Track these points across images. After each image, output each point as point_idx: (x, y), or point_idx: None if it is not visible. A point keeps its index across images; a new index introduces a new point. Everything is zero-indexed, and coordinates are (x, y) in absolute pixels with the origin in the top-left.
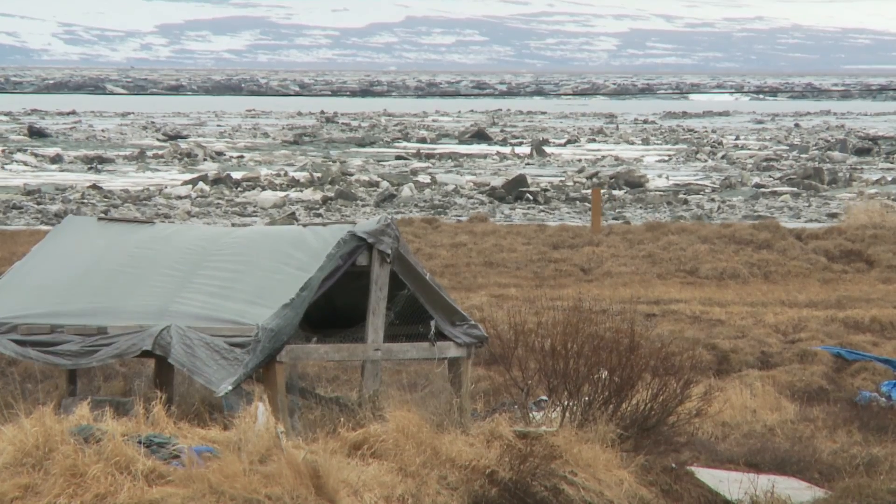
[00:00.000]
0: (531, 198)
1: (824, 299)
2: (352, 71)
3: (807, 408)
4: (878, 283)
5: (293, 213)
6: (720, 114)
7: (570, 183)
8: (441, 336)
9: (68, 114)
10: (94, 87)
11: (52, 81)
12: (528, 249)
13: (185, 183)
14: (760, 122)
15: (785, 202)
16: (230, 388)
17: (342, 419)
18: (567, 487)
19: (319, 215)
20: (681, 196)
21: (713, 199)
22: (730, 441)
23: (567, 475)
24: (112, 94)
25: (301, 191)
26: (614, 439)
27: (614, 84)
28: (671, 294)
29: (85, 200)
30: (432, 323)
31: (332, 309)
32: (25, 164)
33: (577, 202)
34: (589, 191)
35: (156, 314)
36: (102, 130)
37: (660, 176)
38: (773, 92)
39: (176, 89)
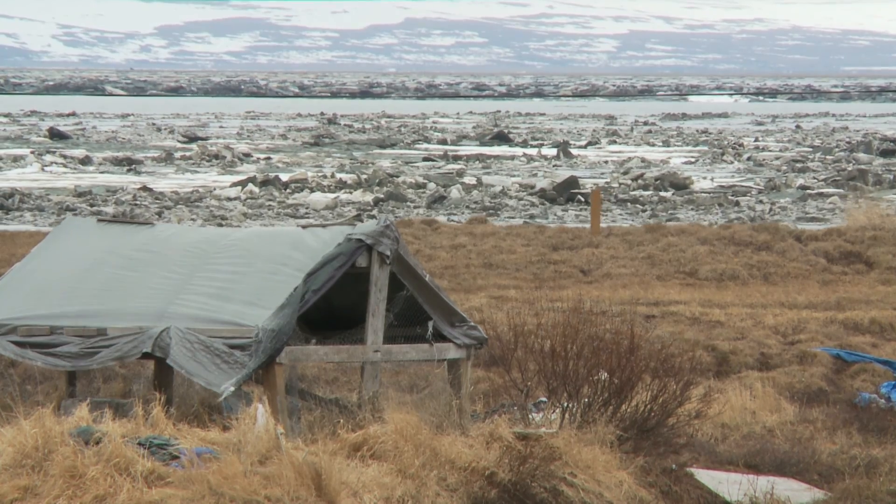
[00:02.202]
0: (582, 199)
1: (824, 301)
2: (351, 72)
3: (806, 409)
4: (878, 284)
5: (359, 216)
6: (719, 115)
7: (616, 185)
8: (440, 337)
9: (68, 115)
10: (94, 88)
11: (51, 83)
12: (527, 251)
13: (235, 185)
14: (760, 123)
15: (834, 203)
16: (232, 388)
17: (342, 421)
18: (566, 489)
19: (373, 216)
20: (731, 198)
21: (761, 201)
22: (729, 442)
23: (566, 476)
24: (111, 95)
25: (350, 192)
26: (614, 441)
27: (614, 85)
28: (671, 295)
29: (137, 202)
30: (430, 323)
31: (331, 310)
32: (65, 166)
33: (629, 203)
34: (638, 192)
35: (155, 316)
36: (113, 131)
37: (704, 178)
38: (773, 93)
39: (175, 91)
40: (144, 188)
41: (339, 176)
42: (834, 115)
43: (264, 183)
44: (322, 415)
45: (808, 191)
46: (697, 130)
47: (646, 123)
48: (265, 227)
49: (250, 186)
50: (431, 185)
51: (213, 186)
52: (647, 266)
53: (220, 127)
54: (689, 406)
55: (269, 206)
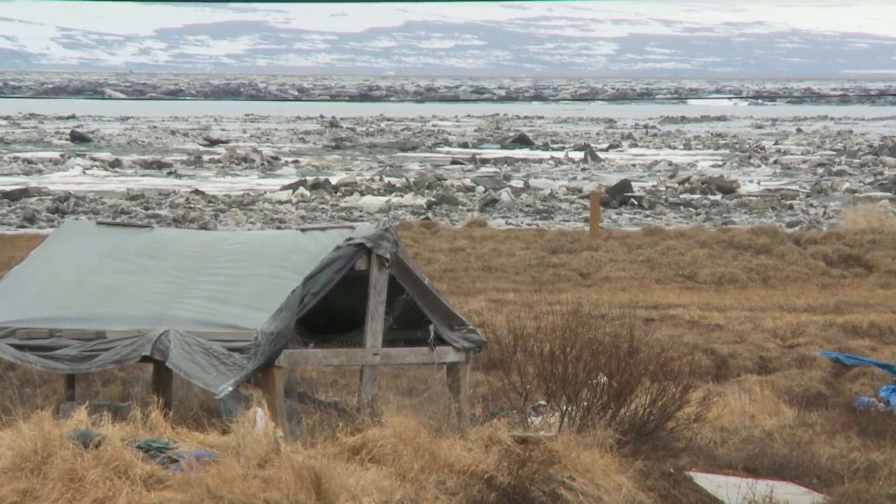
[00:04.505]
0: (636, 203)
1: (823, 304)
2: (351, 75)
3: (805, 413)
4: (877, 288)
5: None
6: (718, 118)
7: (663, 188)
8: (440, 341)
9: (67, 118)
10: (93, 91)
11: (50, 85)
12: (526, 254)
13: (285, 188)
14: (760, 126)
15: (885, 207)
16: (230, 388)
17: (341, 424)
18: (565, 492)
19: (428, 219)
20: (785, 202)
21: (812, 205)
22: (728, 446)
23: (565, 480)
24: (111, 98)
25: (401, 195)
26: (613, 444)
27: (613, 89)
28: (670, 299)
29: (191, 205)
30: (431, 327)
31: (330, 314)
32: (104, 169)
33: (682, 207)
34: (687, 195)
35: (155, 319)
36: (125, 133)
37: (750, 181)
38: (772, 97)
39: (175, 94)
40: (196, 191)
41: (386, 179)
42: (832, 119)
43: (314, 186)
44: (321, 418)
45: (856, 194)
46: (712, 133)
47: (646, 127)
48: (264, 231)
49: (301, 190)
50: (480, 189)
51: (261, 189)
52: (646, 269)
53: (223, 130)
54: (689, 410)
55: (322, 209)
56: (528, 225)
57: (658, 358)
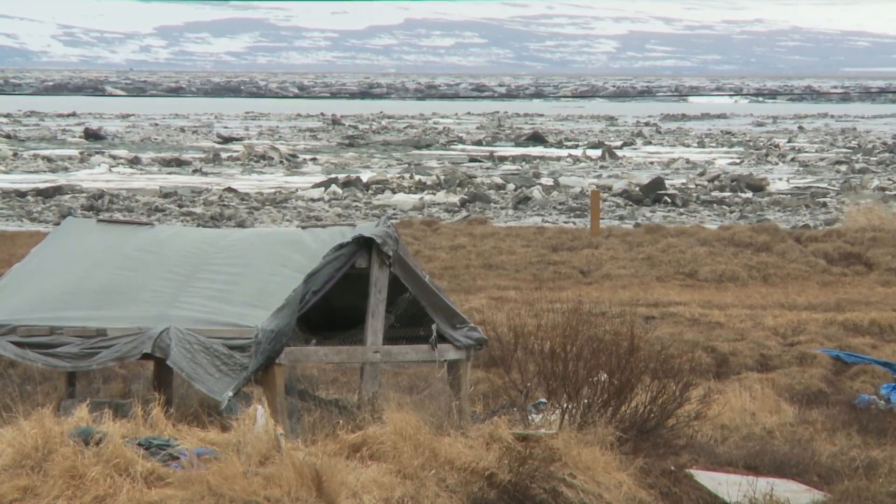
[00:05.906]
0: (669, 201)
1: (823, 302)
2: (351, 73)
3: (806, 410)
4: (878, 285)
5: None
6: (718, 116)
7: (693, 186)
8: (440, 338)
9: (68, 115)
10: (94, 88)
11: (51, 83)
12: (527, 252)
13: (317, 185)
14: (760, 124)
15: None
16: (231, 394)
17: (341, 421)
18: (566, 490)
19: (467, 217)
20: (818, 200)
21: (844, 203)
22: (729, 444)
23: (566, 478)
24: (111, 95)
25: (433, 193)
26: (613, 442)
27: (613, 86)
28: (670, 296)
29: (225, 203)
30: (433, 326)
31: (331, 311)
32: (129, 166)
33: (715, 205)
34: (717, 193)
35: (155, 317)
36: (129, 130)
37: (779, 179)
38: (773, 94)
39: (175, 91)
40: (229, 189)
41: (416, 177)
42: (833, 116)
43: (346, 184)
44: (321, 415)
45: (887, 192)
46: (722, 131)
47: (647, 124)
48: (264, 228)
49: (333, 187)
50: (510, 186)
51: (291, 187)
52: (646, 267)
53: (224, 127)
54: (689, 407)
55: (356, 206)
56: (565, 223)
57: (658, 356)
